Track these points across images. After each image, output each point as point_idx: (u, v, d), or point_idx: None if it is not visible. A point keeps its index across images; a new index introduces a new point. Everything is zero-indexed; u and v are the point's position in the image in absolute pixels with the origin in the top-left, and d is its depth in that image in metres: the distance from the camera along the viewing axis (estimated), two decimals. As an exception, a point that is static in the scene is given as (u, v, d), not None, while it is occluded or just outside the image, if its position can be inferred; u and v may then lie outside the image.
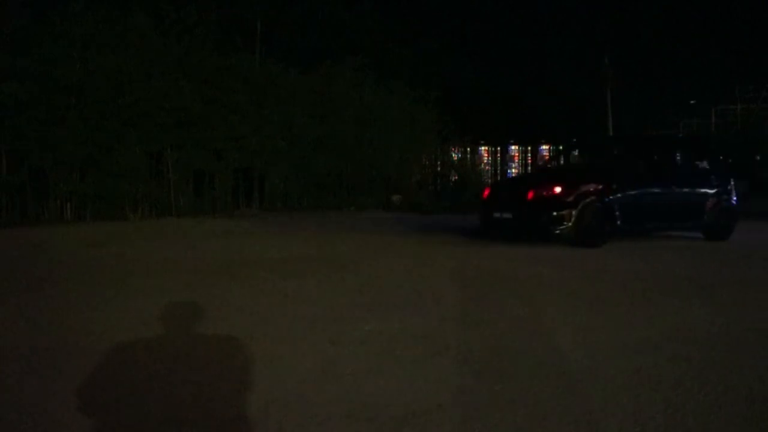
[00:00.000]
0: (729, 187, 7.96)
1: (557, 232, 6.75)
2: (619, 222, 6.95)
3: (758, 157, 29.29)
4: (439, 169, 17.60)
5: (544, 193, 6.91)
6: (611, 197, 6.97)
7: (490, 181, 18.39)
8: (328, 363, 2.44)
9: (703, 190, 7.68)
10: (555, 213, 6.73)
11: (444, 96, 16.56)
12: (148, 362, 2.53)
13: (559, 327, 3.14)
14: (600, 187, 6.98)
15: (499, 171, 23.32)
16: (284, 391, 2.17)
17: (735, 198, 8.00)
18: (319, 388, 2.18)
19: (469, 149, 19.68)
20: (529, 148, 24.90)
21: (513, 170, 23.57)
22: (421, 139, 15.79)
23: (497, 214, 7.36)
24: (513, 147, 25.06)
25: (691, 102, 35.24)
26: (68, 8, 9.89)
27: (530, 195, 7.01)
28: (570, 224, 6.67)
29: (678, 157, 8.19)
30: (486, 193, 8.22)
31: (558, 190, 6.86)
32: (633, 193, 7.17)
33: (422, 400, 2.08)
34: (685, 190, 7.56)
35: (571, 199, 6.76)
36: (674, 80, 31.89)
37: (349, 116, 13.88)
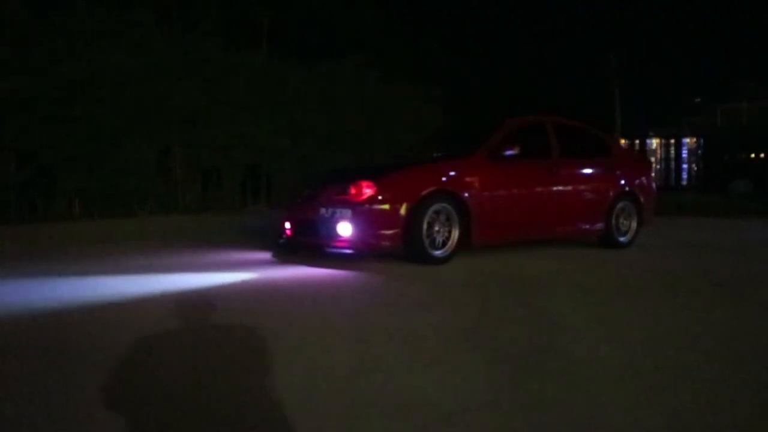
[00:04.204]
0: None
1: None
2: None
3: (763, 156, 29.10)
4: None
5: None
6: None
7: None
8: (359, 360, 2.42)
9: None
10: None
11: (447, 93, 16.56)
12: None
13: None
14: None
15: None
16: (317, 389, 2.13)
17: None
18: (351, 384, 2.16)
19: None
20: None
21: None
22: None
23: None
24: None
25: (696, 100, 34.98)
26: (73, 4, 9.90)
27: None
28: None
29: None
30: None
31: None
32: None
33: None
34: None
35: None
36: (678, 78, 31.66)
37: (354, 113, 13.92)
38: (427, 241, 4.92)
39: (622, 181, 6.45)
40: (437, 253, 5.00)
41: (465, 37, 27.23)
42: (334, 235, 4.89)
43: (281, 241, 5.61)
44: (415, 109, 15.38)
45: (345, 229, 4.83)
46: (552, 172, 5.82)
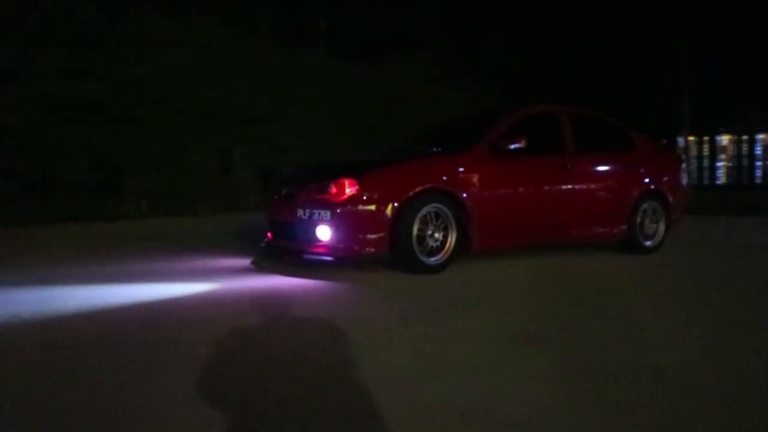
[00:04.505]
0: None
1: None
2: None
3: None
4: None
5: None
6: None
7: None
8: (424, 361, 2.32)
9: None
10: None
11: (509, 90, 15.99)
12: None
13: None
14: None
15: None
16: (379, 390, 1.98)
17: None
18: (420, 387, 2.05)
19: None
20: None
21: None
22: None
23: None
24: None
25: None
26: (140, 9, 10.39)
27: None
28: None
29: None
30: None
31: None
32: None
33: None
34: None
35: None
36: (751, 72, 29.82)
37: (413, 112, 13.61)
38: (418, 247, 4.32)
39: (648, 179, 5.75)
40: (430, 260, 4.40)
41: (525, 33, 26.07)
42: (313, 240, 4.32)
43: (262, 245, 5.08)
44: (475, 107, 14.98)
45: (324, 233, 4.26)
46: (566, 168, 5.15)
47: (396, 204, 4.21)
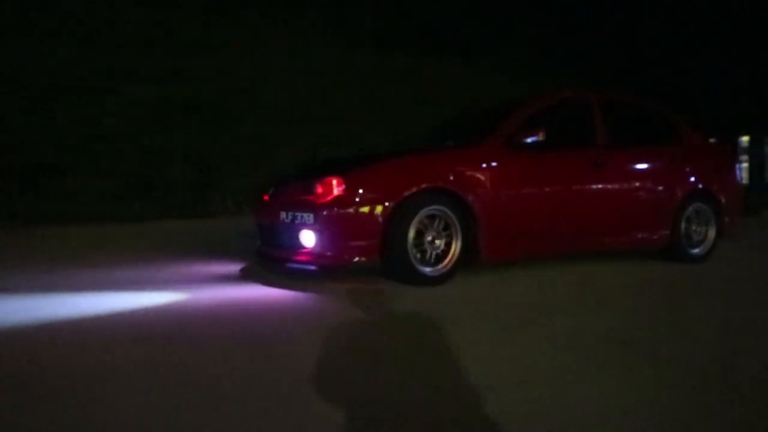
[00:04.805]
0: None
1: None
2: None
3: None
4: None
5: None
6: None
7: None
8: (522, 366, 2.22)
9: None
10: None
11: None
12: None
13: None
14: None
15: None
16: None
17: None
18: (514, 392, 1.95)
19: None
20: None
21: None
22: None
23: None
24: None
25: None
26: (238, 15, 11.07)
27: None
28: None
29: None
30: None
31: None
32: None
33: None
34: None
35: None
36: None
37: None
38: (415, 255, 3.75)
39: (695, 177, 4.99)
40: (429, 270, 3.82)
41: (628, 26, 24.29)
42: (296, 247, 3.81)
43: (256, 250, 4.61)
44: None
45: (308, 238, 3.75)
46: (596, 164, 4.47)
47: (388, 206, 3.65)
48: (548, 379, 2.07)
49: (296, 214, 3.78)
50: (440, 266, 3.85)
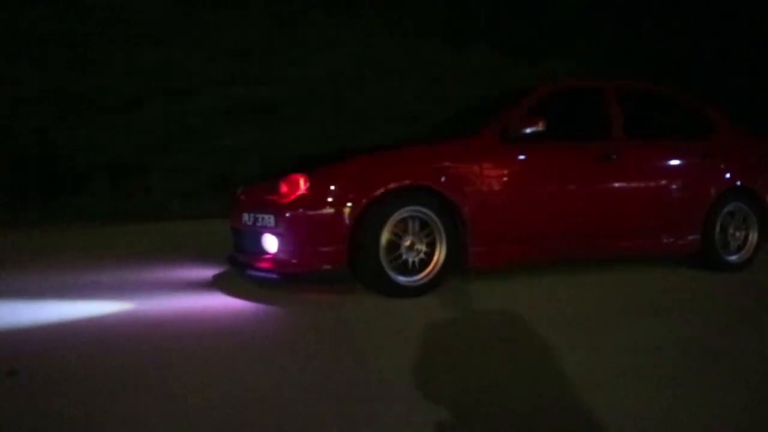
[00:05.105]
0: None
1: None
2: None
3: None
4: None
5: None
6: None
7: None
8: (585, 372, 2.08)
9: None
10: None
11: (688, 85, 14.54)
12: None
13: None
14: None
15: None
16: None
17: None
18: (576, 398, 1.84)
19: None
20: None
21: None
22: None
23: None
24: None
25: None
26: (306, 15, 11.15)
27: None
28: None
29: None
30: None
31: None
32: None
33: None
34: None
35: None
36: None
37: None
38: (389, 263, 3.31)
39: (731, 173, 4.35)
40: (405, 279, 3.36)
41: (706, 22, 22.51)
42: (259, 252, 3.43)
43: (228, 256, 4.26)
44: None
45: (271, 243, 3.36)
46: (610, 159, 3.91)
47: (357, 206, 3.22)
48: (639, 381, 1.99)
49: (258, 216, 3.40)
50: (420, 275, 3.39)
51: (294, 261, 3.26)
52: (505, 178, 3.59)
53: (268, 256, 3.36)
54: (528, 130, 3.56)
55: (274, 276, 3.36)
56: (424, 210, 3.37)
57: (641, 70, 14.15)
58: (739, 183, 4.37)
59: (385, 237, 3.27)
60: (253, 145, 10.16)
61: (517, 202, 3.63)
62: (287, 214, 3.24)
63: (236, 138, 10.11)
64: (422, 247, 3.39)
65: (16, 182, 8.88)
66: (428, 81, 11.78)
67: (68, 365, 2.17)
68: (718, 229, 4.30)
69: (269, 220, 3.31)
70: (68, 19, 9.75)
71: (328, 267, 3.25)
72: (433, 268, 3.42)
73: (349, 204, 3.21)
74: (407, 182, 3.31)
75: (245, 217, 3.49)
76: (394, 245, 3.32)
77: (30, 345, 2.46)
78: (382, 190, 3.25)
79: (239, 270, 3.62)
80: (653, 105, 4.45)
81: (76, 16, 9.86)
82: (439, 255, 3.43)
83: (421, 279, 3.39)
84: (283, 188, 3.31)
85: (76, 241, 6.85)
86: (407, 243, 3.35)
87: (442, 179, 3.38)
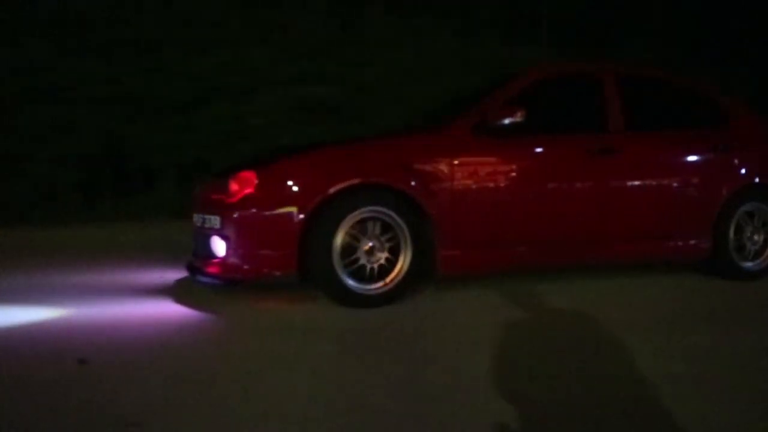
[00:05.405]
0: None
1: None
2: None
3: None
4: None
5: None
6: None
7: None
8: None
9: None
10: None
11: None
12: None
13: None
14: None
15: None
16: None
17: None
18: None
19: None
20: None
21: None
22: None
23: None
24: None
25: None
26: (366, 15, 11.46)
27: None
28: None
29: None
30: None
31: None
32: None
33: None
34: None
35: None
36: None
37: None
38: (344, 269, 3.00)
39: (748, 169, 3.87)
40: (363, 287, 3.04)
41: None
42: (208, 256, 3.17)
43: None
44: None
45: (218, 246, 3.09)
46: (603, 153, 3.50)
47: (306, 207, 2.92)
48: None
49: (206, 216, 3.14)
50: (380, 283, 3.07)
51: (242, 266, 2.99)
52: (480, 175, 3.23)
53: (216, 260, 3.10)
54: (506, 121, 3.20)
55: (218, 282, 3.09)
56: (386, 210, 3.05)
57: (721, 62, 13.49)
58: (758, 180, 3.90)
59: (339, 240, 2.96)
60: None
61: (495, 202, 3.27)
62: (235, 215, 2.97)
63: (297, 137, 10.24)
64: (383, 252, 3.07)
65: (88, 180, 9.44)
66: (483, 77, 11.85)
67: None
68: (732, 231, 3.84)
69: (215, 221, 3.05)
70: (138, 23, 10.14)
71: (276, 273, 2.96)
72: (397, 274, 3.09)
73: (299, 204, 2.92)
74: (361, 180, 2.99)
75: (195, 217, 3.24)
76: (351, 249, 3.01)
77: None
78: (335, 189, 2.94)
79: (192, 276, 3.36)
80: (660, 92, 4.00)
81: (145, 20, 10.22)
82: (404, 261, 3.10)
83: (381, 287, 3.07)
84: (233, 186, 3.04)
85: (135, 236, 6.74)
86: (366, 247, 3.04)
87: (405, 176, 3.05)
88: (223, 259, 3.05)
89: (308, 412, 1.71)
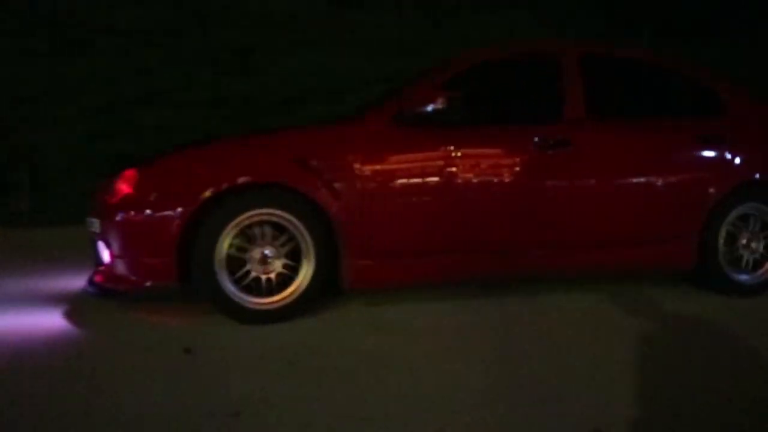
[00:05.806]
0: None
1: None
2: None
3: None
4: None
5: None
6: None
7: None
8: None
9: None
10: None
11: None
12: None
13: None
14: None
15: None
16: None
17: None
18: None
19: None
20: None
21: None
22: None
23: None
24: None
25: None
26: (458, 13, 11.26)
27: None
28: None
29: None
30: None
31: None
32: None
33: None
34: None
35: None
36: None
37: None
38: (230, 279, 2.65)
39: (744, 164, 3.26)
40: (257, 301, 2.68)
41: None
42: (98, 263, 2.89)
43: None
44: None
45: (104, 252, 2.81)
46: (560, 147, 2.99)
47: (185, 210, 2.59)
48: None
49: (91, 219, 2.86)
50: (277, 296, 2.70)
51: (125, 274, 2.69)
52: (398, 173, 2.80)
53: (102, 268, 2.81)
54: (427, 108, 2.76)
55: (98, 293, 2.79)
56: (283, 213, 2.67)
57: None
58: (757, 176, 3.29)
59: (224, 247, 2.62)
60: None
61: (416, 203, 2.84)
62: (115, 218, 2.68)
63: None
64: (279, 260, 2.70)
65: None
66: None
67: None
68: (722, 237, 3.25)
69: (96, 224, 2.76)
70: (236, 27, 10.41)
71: (155, 283, 2.64)
72: (298, 286, 2.71)
73: (178, 206, 2.59)
74: (250, 178, 2.63)
75: (87, 220, 2.96)
76: (239, 258, 2.65)
77: None
78: (217, 190, 2.59)
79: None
80: (638, 77, 3.44)
81: (242, 25, 10.66)
82: (306, 271, 2.72)
83: (278, 301, 2.69)
84: (117, 186, 2.74)
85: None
86: (258, 255, 2.67)
87: (302, 174, 2.67)
88: (108, 266, 2.76)
89: None
